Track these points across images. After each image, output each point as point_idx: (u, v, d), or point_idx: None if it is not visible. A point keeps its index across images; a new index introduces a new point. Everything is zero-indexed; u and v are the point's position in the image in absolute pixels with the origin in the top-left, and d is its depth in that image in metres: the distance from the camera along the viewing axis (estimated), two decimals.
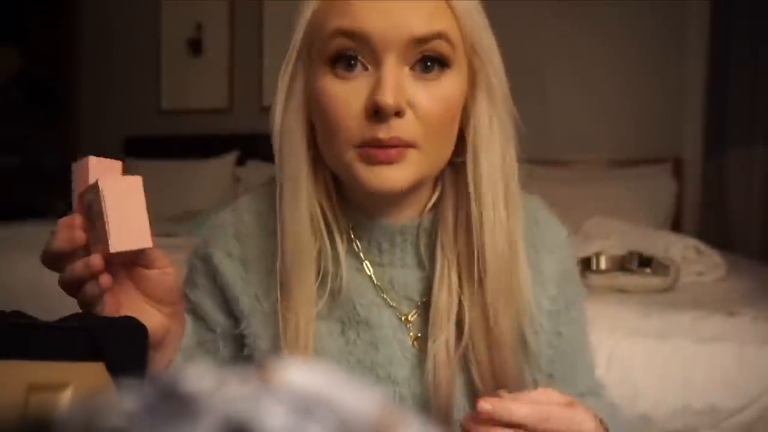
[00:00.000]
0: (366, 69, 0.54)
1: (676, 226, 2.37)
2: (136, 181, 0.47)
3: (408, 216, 0.61)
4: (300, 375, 0.14)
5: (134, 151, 2.92)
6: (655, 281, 1.41)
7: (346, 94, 0.53)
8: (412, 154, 0.54)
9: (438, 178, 0.61)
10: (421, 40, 0.52)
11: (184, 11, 3.06)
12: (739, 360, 1.14)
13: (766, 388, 1.12)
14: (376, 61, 0.53)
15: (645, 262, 1.44)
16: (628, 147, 2.50)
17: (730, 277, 1.55)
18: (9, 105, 2.91)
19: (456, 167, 0.59)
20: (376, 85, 0.52)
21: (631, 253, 1.46)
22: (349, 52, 0.53)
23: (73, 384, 0.38)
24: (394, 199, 0.59)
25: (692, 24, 2.45)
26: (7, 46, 2.92)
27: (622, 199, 2.23)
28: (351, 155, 0.54)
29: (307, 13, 0.56)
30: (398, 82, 0.52)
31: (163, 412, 0.13)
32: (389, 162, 0.53)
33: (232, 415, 0.13)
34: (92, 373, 0.40)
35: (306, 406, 0.13)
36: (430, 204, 0.62)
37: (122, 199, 0.46)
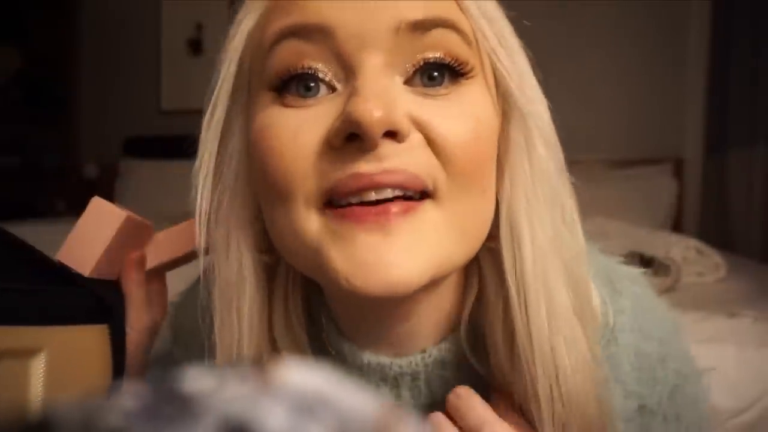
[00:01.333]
0: (332, 90, 0.33)
1: (677, 226, 2.36)
2: (118, 216, 0.45)
3: (416, 344, 0.38)
4: (300, 375, 0.14)
5: (134, 151, 2.92)
6: (656, 282, 1.41)
7: (297, 125, 0.32)
8: (428, 210, 0.32)
9: (469, 269, 0.37)
10: (417, 27, 0.32)
11: (184, 11, 3.05)
12: (740, 361, 1.13)
13: (767, 390, 1.12)
14: (349, 72, 0.33)
15: (646, 262, 1.44)
16: (629, 147, 2.50)
17: (731, 277, 1.55)
18: (9, 105, 2.91)
19: (494, 253, 0.36)
20: (349, 98, 0.31)
21: (632, 254, 1.46)
22: (305, 67, 0.33)
23: (46, 350, 0.36)
24: (396, 308, 0.35)
25: (693, 24, 2.44)
26: (7, 46, 2.92)
27: (622, 200, 2.22)
28: (315, 225, 0.32)
29: (241, 32, 0.37)
30: (386, 90, 0.32)
31: (162, 412, 0.13)
32: (384, 226, 0.31)
33: (232, 415, 0.13)
34: (70, 338, 0.38)
35: (306, 406, 0.13)
36: (465, 314, 0.38)
37: (96, 224, 0.44)
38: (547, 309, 0.34)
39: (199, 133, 0.38)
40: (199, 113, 0.38)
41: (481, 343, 0.38)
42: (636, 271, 0.43)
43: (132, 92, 3.15)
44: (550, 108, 0.39)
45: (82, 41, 3.23)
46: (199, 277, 0.48)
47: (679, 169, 2.45)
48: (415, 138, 0.32)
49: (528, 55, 0.39)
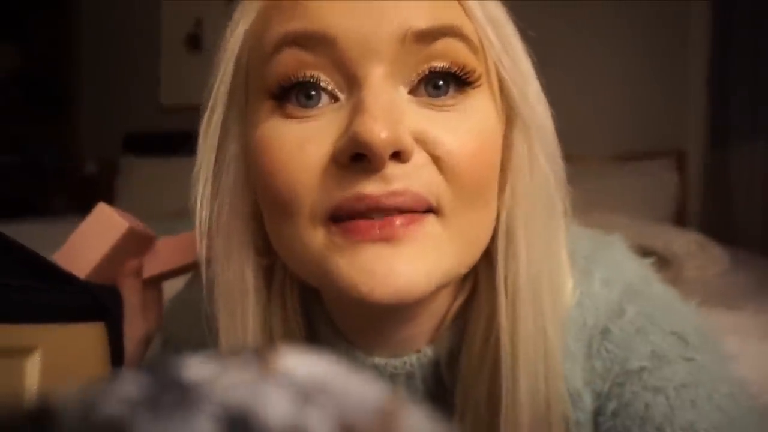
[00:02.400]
0: (335, 100, 0.32)
1: (679, 220, 2.36)
2: (120, 226, 0.44)
3: (412, 344, 0.38)
4: (301, 362, 0.14)
5: (134, 148, 2.92)
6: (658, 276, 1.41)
7: (302, 138, 0.32)
8: (431, 223, 0.32)
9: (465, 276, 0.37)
10: (423, 36, 0.31)
11: (183, 7, 3.05)
12: (741, 354, 1.13)
13: None
14: (352, 82, 0.32)
15: (647, 256, 1.44)
16: (630, 141, 2.50)
17: (732, 271, 1.55)
18: (8, 103, 2.91)
19: (489, 257, 0.36)
20: (354, 112, 0.31)
21: (633, 247, 1.46)
22: (306, 75, 0.32)
23: (41, 348, 0.35)
24: (399, 313, 0.36)
25: (694, 16, 2.44)
26: (6, 44, 2.92)
27: (624, 194, 2.22)
28: (319, 239, 0.32)
29: (238, 33, 0.36)
30: (392, 105, 0.31)
31: (162, 400, 0.13)
32: (390, 238, 0.30)
33: (232, 403, 0.12)
34: (65, 336, 0.37)
35: (307, 393, 0.13)
36: (449, 317, 0.38)
37: (97, 232, 0.44)
38: (534, 320, 0.35)
39: (199, 129, 0.39)
40: (198, 109, 0.38)
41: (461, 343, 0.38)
42: (614, 236, 0.42)
43: (131, 89, 3.14)
44: (552, 103, 0.39)
45: (81, 38, 3.23)
46: (187, 284, 0.48)
47: (681, 163, 2.45)
48: (421, 156, 0.32)
49: (531, 58, 0.38)
